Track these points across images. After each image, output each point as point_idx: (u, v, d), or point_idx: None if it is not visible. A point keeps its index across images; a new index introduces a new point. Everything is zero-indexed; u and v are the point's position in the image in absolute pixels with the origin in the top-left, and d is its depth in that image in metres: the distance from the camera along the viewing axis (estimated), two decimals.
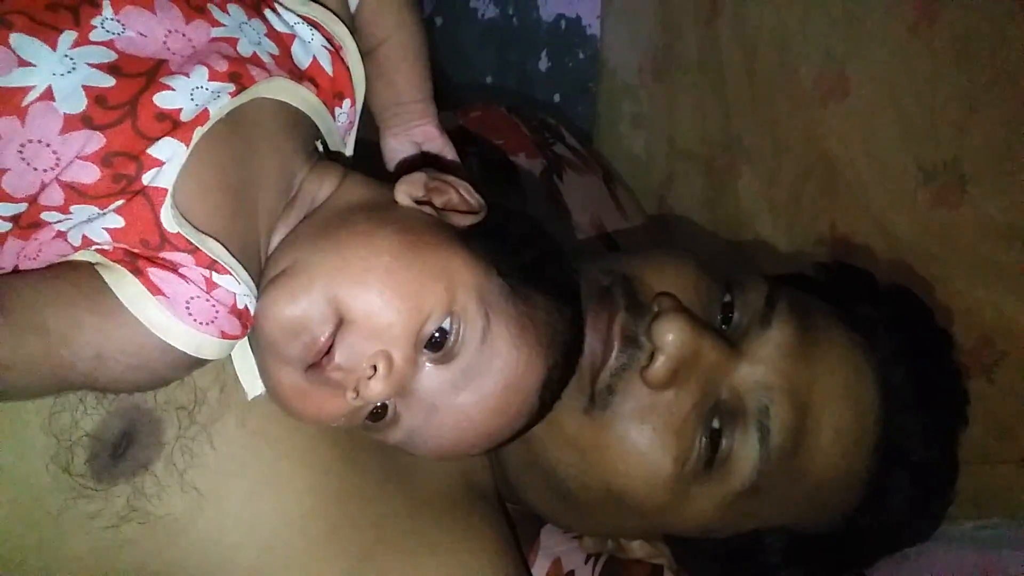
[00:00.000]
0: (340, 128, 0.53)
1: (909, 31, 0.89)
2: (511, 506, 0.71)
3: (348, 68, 0.51)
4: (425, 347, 0.46)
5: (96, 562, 0.50)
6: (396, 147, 0.58)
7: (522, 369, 0.49)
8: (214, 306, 0.43)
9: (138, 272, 0.42)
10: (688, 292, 0.62)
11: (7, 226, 0.41)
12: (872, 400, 0.62)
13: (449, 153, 0.58)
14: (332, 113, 0.51)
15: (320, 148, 0.54)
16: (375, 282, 0.45)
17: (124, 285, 0.41)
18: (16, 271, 0.42)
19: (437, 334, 0.46)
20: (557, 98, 1.24)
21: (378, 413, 0.48)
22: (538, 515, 0.69)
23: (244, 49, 0.45)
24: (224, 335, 0.44)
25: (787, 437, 0.59)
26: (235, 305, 0.44)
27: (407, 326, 0.45)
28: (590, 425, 0.59)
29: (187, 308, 0.42)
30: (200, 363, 0.44)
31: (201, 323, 0.43)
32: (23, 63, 0.39)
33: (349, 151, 0.56)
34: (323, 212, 0.49)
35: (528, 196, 0.89)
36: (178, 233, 0.42)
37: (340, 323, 0.45)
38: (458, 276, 0.47)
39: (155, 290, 0.42)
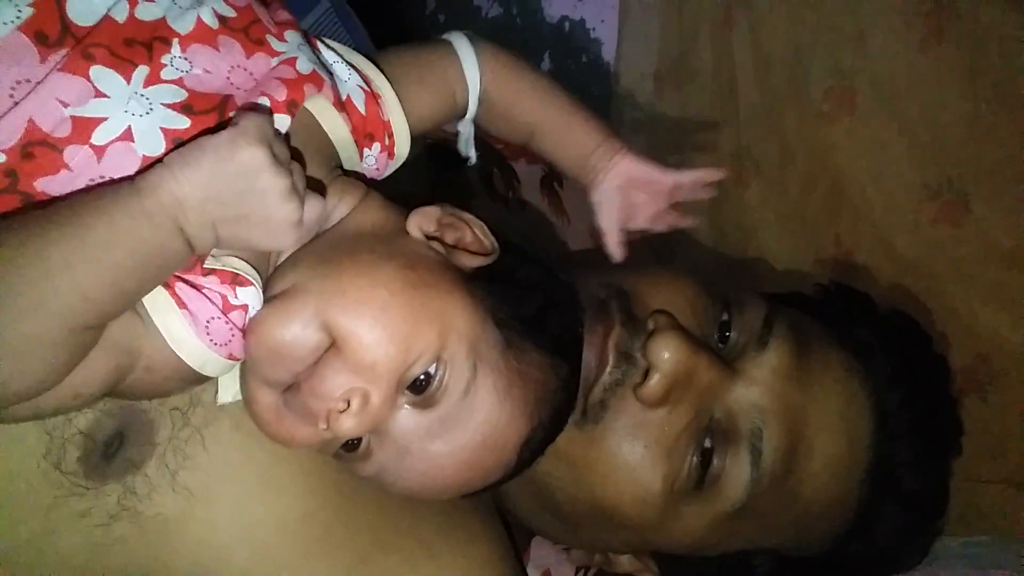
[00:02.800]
0: (367, 170, 0.53)
1: (917, 49, 0.91)
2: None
3: (382, 115, 0.52)
4: (408, 388, 0.46)
5: (87, 559, 0.51)
6: (600, 200, 0.59)
7: (502, 427, 0.48)
8: (231, 329, 0.44)
9: (166, 285, 0.43)
10: (685, 310, 0.63)
11: None
12: (866, 426, 0.63)
13: (658, 175, 0.59)
14: (360, 153, 0.52)
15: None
16: (368, 316, 0.45)
17: (154, 296, 0.42)
18: None
19: (422, 378, 0.46)
20: None
21: (352, 445, 0.48)
22: (528, 526, 0.70)
23: (303, 67, 0.47)
24: (232, 358, 0.45)
25: (779, 460, 0.60)
26: (246, 322, 0.45)
27: (392, 367, 0.45)
28: (581, 439, 0.60)
29: (206, 327, 0.43)
30: (201, 380, 0.45)
31: (215, 343, 0.44)
32: (99, 94, 0.41)
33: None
34: (333, 234, 0.49)
35: (527, 204, 0.89)
36: (214, 259, 0.43)
37: (326, 351, 0.45)
38: (453, 322, 0.46)
39: (180, 303, 0.43)
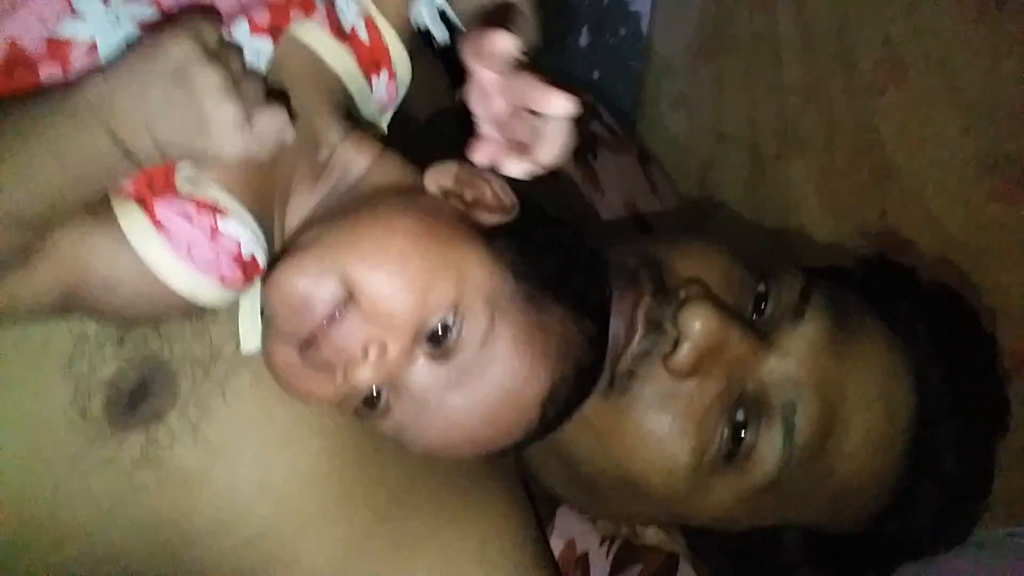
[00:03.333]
0: (377, 101, 0.53)
1: (974, 18, 0.87)
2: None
3: (385, 43, 0.51)
4: (425, 340, 0.46)
5: (111, 507, 0.52)
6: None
7: (521, 380, 0.48)
8: (216, 252, 0.44)
9: (144, 203, 0.43)
10: (719, 280, 0.61)
11: None
12: (906, 403, 0.62)
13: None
14: (370, 83, 0.51)
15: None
16: (386, 266, 0.45)
17: (130, 216, 0.42)
18: None
19: (440, 330, 0.46)
20: (596, 75, 1.23)
21: (371, 401, 0.48)
22: (554, 496, 0.70)
23: None
24: (224, 281, 0.45)
25: (813, 435, 0.59)
26: (239, 253, 0.45)
27: (409, 317, 0.45)
28: (608, 409, 0.59)
29: (188, 250, 0.43)
30: (201, 307, 0.45)
31: (200, 268, 0.44)
32: (74, 14, 0.41)
33: (383, 124, 0.56)
34: (350, 191, 0.50)
35: (560, 175, 0.88)
36: (186, 181, 0.43)
37: (344, 303, 0.45)
38: (470, 273, 0.47)
39: (158, 224, 0.43)
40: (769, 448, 0.59)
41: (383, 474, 0.58)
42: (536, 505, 0.70)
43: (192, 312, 0.47)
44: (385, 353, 0.45)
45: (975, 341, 0.67)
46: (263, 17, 0.44)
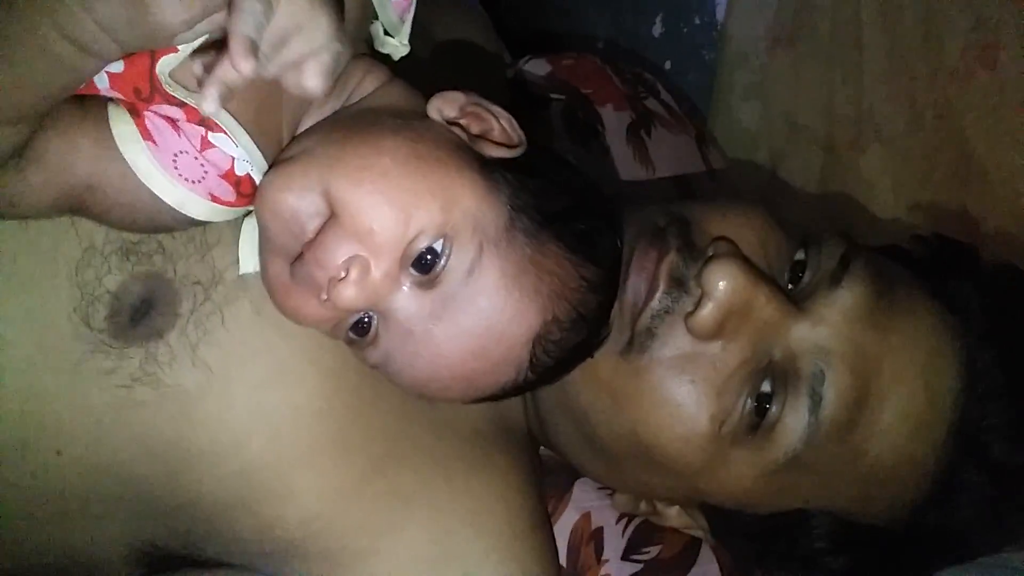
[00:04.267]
0: (394, 4, 0.52)
1: None
2: (545, 453, 0.71)
3: None
4: (412, 267, 0.46)
5: (110, 418, 0.53)
6: None
7: (508, 315, 0.46)
8: (203, 166, 0.44)
9: (135, 112, 0.43)
10: (752, 242, 0.59)
11: None
12: (951, 383, 0.57)
13: None
14: None
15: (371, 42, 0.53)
16: (367, 182, 0.44)
17: (120, 122, 0.43)
18: None
19: (428, 255, 0.45)
20: (668, 65, 1.22)
21: (361, 328, 0.48)
22: (571, 463, 0.68)
23: None
24: (213, 198, 0.45)
25: (842, 409, 0.55)
26: (232, 171, 0.45)
27: (391, 236, 0.45)
28: (625, 369, 0.58)
29: (174, 161, 0.43)
30: (194, 221, 0.46)
31: (186, 179, 0.44)
32: None
33: (404, 38, 0.54)
34: (350, 109, 0.50)
35: (611, 150, 0.87)
36: (166, 85, 0.42)
37: (328, 218, 0.45)
38: (460, 199, 0.46)
39: (146, 134, 0.43)
40: (794, 420, 0.55)
41: (382, 424, 0.58)
42: (549, 478, 0.69)
43: (190, 227, 0.48)
44: (368, 272, 0.45)
45: None
46: None
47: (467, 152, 0.48)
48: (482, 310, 0.46)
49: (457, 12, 0.83)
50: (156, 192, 0.44)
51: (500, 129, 0.50)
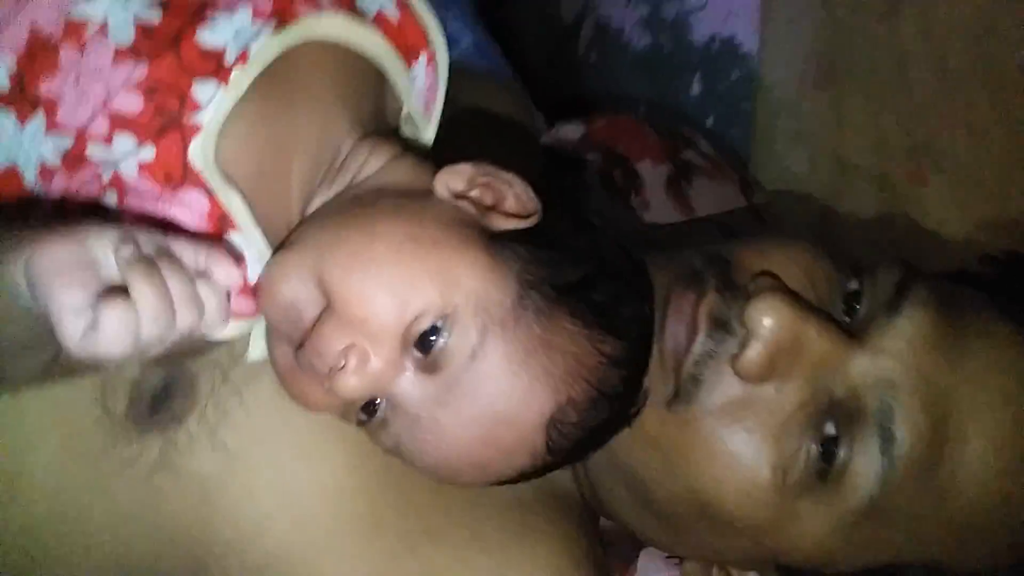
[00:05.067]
0: (419, 92, 0.52)
1: None
2: (606, 523, 0.67)
3: (419, 23, 0.50)
4: (415, 347, 0.45)
5: (134, 509, 0.53)
6: None
7: (516, 401, 0.45)
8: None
9: None
10: (798, 275, 0.55)
11: (58, 160, 0.44)
12: None
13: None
14: (408, 67, 0.50)
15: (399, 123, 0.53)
16: (358, 270, 0.44)
17: None
18: (62, 205, 0.46)
19: (431, 335, 0.44)
20: (710, 122, 1.21)
21: (370, 409, 0.47)
22: (632, 532, 0.64)
23: None
24: (236, 315, 0.45)
25: (918, 445, 0.50)
26: (246, 283, 0.46)
27: (386, 323, 0.44)
28: (673, 422, 0.54)
29: None
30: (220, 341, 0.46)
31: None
32: None
33: (432, 127, 0.55)
34: (354, 190, 0.49)
35: (651, 204, 0.86)
36: (200, 173, 0.43)
37: (325, 308, 0.44)
38: (460, 279, 0.45)
39: None
40: (865, 462, 0.51)
41: (413, 497, 0.56)
42: (610, 550, 0.65)
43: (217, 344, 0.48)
44: (367, 361, 0.44)
45: None
46: (266, 3, 0.44)
47: (472, 229, 0.47)
48: (487, 395, 0.45)
49: (487, 82, 0.85)
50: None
51: (514, 197, 0.49)
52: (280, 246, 0.47)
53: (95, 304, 0.37)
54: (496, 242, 0.47)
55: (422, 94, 0.53)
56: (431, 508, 0.56)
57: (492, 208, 0.49)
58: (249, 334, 0.52)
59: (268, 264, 0.46)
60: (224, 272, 0.42)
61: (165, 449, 0.53)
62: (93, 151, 0.44)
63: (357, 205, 0.48)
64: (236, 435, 0.53)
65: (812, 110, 1.07)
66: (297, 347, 0.45)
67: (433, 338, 0.44)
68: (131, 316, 0.37)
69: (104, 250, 0.39)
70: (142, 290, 0.37)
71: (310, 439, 0.54)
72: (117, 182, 0.45)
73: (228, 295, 0.43)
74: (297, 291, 0.45)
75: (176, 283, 0.39)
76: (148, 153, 0.44)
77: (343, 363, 0.44)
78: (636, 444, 0.56)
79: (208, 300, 0.41)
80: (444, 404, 0.45)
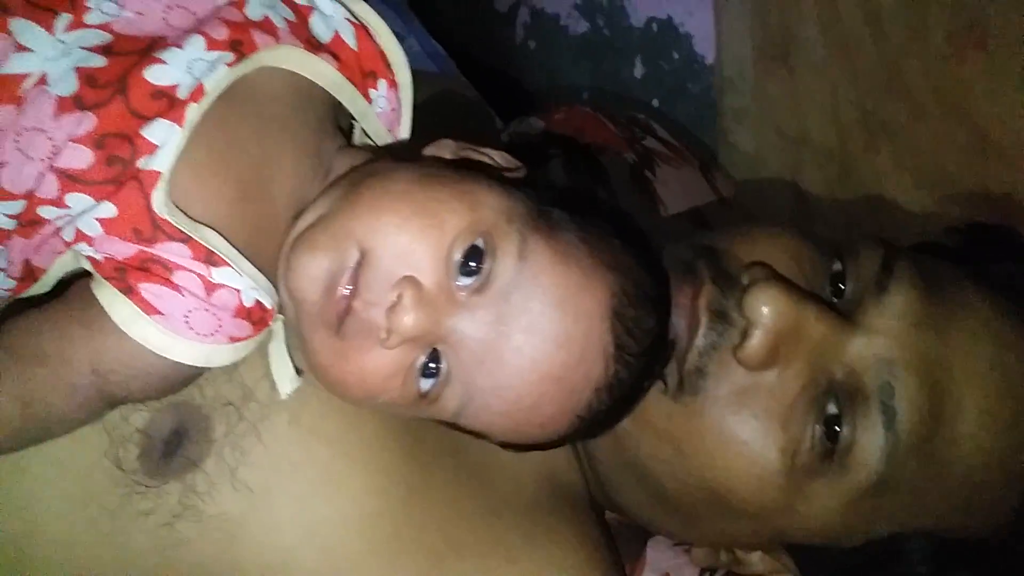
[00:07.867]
0: (382, 115, 0.53)
1: None
2: (612, 516, 0.69)
3: (379, 48, 0.50)
4: (461, 275, 0.45)
5: (157, 560, 0.52)
6: None
7: (575, 287, 0.45)
8: (215, 315, 0.43)
9: (130, 291, 0.42)
10: (786, 262, 0.58)
11: (11, 224, 0.42)
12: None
13: None
14: (366, 95, 0.50)
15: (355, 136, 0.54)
16: (388, 206, 0.44)
17: (116, 307, 0.42)
18: (27, 270, 0.45)
19: (472, 260, 0.44)
20: (656, 103, 1.23)
21: (430, 371, 0.46)
22: (642, 523, 0.66)
23: (254, 12, 0.45)
24: (234, 340, 0.44)
25: (918, 419, 0.53)
26: (240, 305, 0.44)
27: (429, 247, 0.44)
28: (681, 413, 0.56)
29: (186, 322, 0.42)
30: (230, 369, 0.46)
31: (204, 335, 0.43)
32: (21, 48, 0.40)
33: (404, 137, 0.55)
34: (350, 175, 0.49)
35: (618, 193, 0.87)
36: (168, 220, 0.42)
37: (362, 259, 0.44)
38: (483, 197, 0.46)
39: (149, 309, 0.42)
40: (870, 440, 0.53)
41: (434, 512, 0.56)
42: (618, 542, 0.66)
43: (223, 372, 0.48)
44: (420, 289, 0.44)
45: None
46: (221, 33, 0.43)
47: (473, 165, 0.49)
48: (546, 290, 0.45)
49: (442, 80, 0.85)
50: (176, 360, 0.43)
51: (498, 158, 0.52)
52: (290, 238, 0.47)
53: None
54: (499, 178, 0.49)
55: (386, 116, 0.53)
56: (453, 521, 0.57)
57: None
58: (263, 377, 0.51)
59: (290, 251, 0.45)
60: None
61: (184, 496, 0.52)
62: (46, 213, 0.42)
63: (359, 174, 0.48)
64: (257, 473, 0.52)
65: (764, 88, 1.10)
66: (340, 321, 0.44)
67: (473, 264, 0.44)
68: None
69: None
70: None
71: (330, 467, 0.54)
72: (82, 236, 0.43)
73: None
74: (331, 256, 0.44)
75: None
76: (108, 210, 0.42)
77: (397, 297, 0.43)
78: (645, 438, 0.58)
79: None
80: (507, 317, 0.44)
